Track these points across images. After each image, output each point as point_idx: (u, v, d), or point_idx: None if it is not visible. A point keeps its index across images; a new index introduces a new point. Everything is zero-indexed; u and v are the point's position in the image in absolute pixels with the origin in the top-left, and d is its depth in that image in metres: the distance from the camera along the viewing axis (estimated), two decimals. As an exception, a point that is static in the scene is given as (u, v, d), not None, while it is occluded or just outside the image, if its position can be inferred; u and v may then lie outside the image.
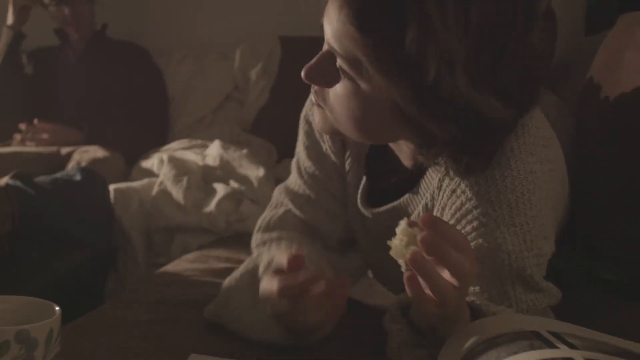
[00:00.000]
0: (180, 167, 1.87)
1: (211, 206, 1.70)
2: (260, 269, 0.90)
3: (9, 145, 2.14)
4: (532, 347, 0.50)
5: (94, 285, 1.64)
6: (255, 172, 1.85)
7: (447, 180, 0.81)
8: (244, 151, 1.98)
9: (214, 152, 1.99)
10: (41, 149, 2.05)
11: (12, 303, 0.67)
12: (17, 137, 2.14)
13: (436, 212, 0.83)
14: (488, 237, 0.76)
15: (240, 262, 1.20)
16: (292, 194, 1.03)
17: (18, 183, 1.55)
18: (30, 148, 2.07)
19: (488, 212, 0.77)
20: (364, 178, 0.94)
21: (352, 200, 0.97)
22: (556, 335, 0.53)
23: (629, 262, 1.01)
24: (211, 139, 2.21)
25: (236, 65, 2.45)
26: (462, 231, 0.78)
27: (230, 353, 0.77)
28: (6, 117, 2.19)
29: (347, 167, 0.97)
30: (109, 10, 2.37)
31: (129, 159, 2.08)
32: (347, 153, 0.97)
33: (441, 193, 0.82)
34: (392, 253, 0.65)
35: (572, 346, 0.52)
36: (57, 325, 0.63)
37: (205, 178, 1.87)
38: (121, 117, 2.22)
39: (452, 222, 0.79)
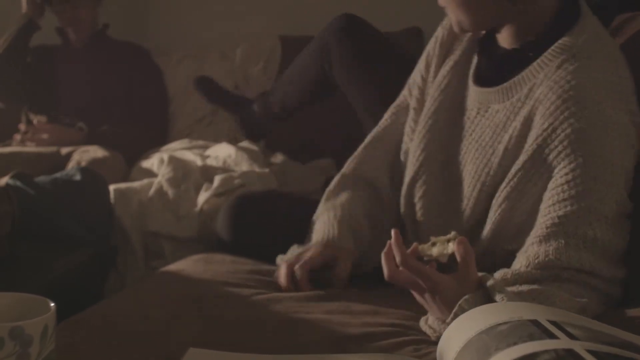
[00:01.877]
0: (179, 169, 1.86)
1: (198, 207, 1.69)
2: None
3: (9, 145, 2.14)
4: (531, 338, 0.50)
5: (94, 285, 1.64)
6: (260, 169, 1.85)
7: (566, 65, 0.97)
8: (256, 148, 1.99)
9: (224, 152, 1.98)
10: (41, 149, 2.04)
11: (6, 299, 0.66)
12: (17, 137, 2.13)
13: (535, 99, 0.98)
14: (579, 117, 0.93)
15: (246, 264, 1.19)
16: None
17: (18, 183, 1.54)
18: (30, 148, 2.07)
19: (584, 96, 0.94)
20: (475, 57, 1.12)
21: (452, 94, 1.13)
22: (556, 324, 0.52)
23: (629, 263, 0.99)
24: (211, 139, 2.21)
25: (236, 64, 2.45)
26: (559, 111, 0.95)
27: (230, 347, 0.77)
28: (7, 105, 2.18)
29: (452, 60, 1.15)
30: (110, 10, 2.37)
31: (129, 159, 2.08)
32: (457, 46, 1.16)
33: (554, 76, 0.98)
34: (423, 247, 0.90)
35: (572, 336, 0.51)
36: (51, 321, 0.62)
37: (205, 178, 1.87)
38: (121, 117, 2.22)
39: (556, 102, 0.95)
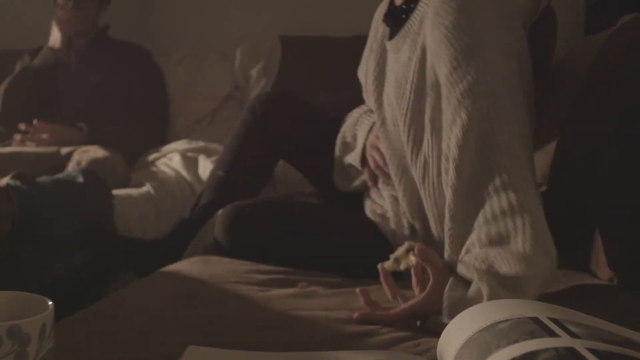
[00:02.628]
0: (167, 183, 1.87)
1: None
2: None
3: (9, 145, 2.14)
4: (532, 335, 0.49)
5: (94, 285, 1.63)
6: None
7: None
8: None
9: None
10: (41, 149, 2.04)
11: (4, 298, 0.66)
12: (17, 137, 2.13)
13: (426, 25, 1.07)
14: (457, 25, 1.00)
15: (243, 265, 1.20)
16: None
17: (19, 183, 1.54)
18: (30, 148, 2.06)
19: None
20: (384, 26, 1.25)
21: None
22: (557, 322, 0.52)
23: (627, 263, 0.99)
24: (211, 139, 2.20)
25: (236, 64, 2.45)
26: (442, 27, 1.02)
27: (228, 344, 0.77)
28: (11, 123, 2.18)
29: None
30: (110, 11, 2.37)
31: (129, 159, 2.08)
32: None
33: (437, 3, 1.05)
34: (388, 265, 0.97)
35: (573, 334, 0.50)
36: (50, 320, 0.62)
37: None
38: (121, 117, 2.22)
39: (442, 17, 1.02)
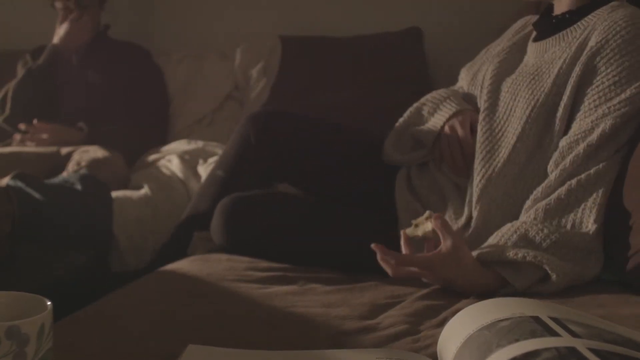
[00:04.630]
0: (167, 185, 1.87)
1: None
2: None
3: (9, 145, 2.14)
4: (533, 335, 0.49)
5: (94, 285, 1.63)
6: None
7: (618, 9, 1.16)
8: None
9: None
10: (41, 149, 2.04)
11: (3, 298, 0.66)
12: (17, 137, 2.13)
13: (590, 29, 1.17)
14: (629, 30, 1.11)
15: (242, 262, 1.20)
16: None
17: (19, 183, 1.54)
18: (30, 148, 2.06)
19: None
20: (534, 32, 1.32)
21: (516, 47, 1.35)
22: (558, 321, 0.51)
23: (627, 264, 0.99)
24: (211, 139, 2.20)
25: (236, 64, 2.45)
26: (611, 29, 1.13)
27: (228, 342, 0.76)
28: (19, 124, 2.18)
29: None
30: (110, 11, 2.37)
31: (129, 159, 2.07)
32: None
33: (607, 16, 1.16)
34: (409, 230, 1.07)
35: (574, 334, 0.50)
36: (48, 320, 0.62)
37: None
38: (121, 117, 2.22)
39: (611, 24, 1.13)
